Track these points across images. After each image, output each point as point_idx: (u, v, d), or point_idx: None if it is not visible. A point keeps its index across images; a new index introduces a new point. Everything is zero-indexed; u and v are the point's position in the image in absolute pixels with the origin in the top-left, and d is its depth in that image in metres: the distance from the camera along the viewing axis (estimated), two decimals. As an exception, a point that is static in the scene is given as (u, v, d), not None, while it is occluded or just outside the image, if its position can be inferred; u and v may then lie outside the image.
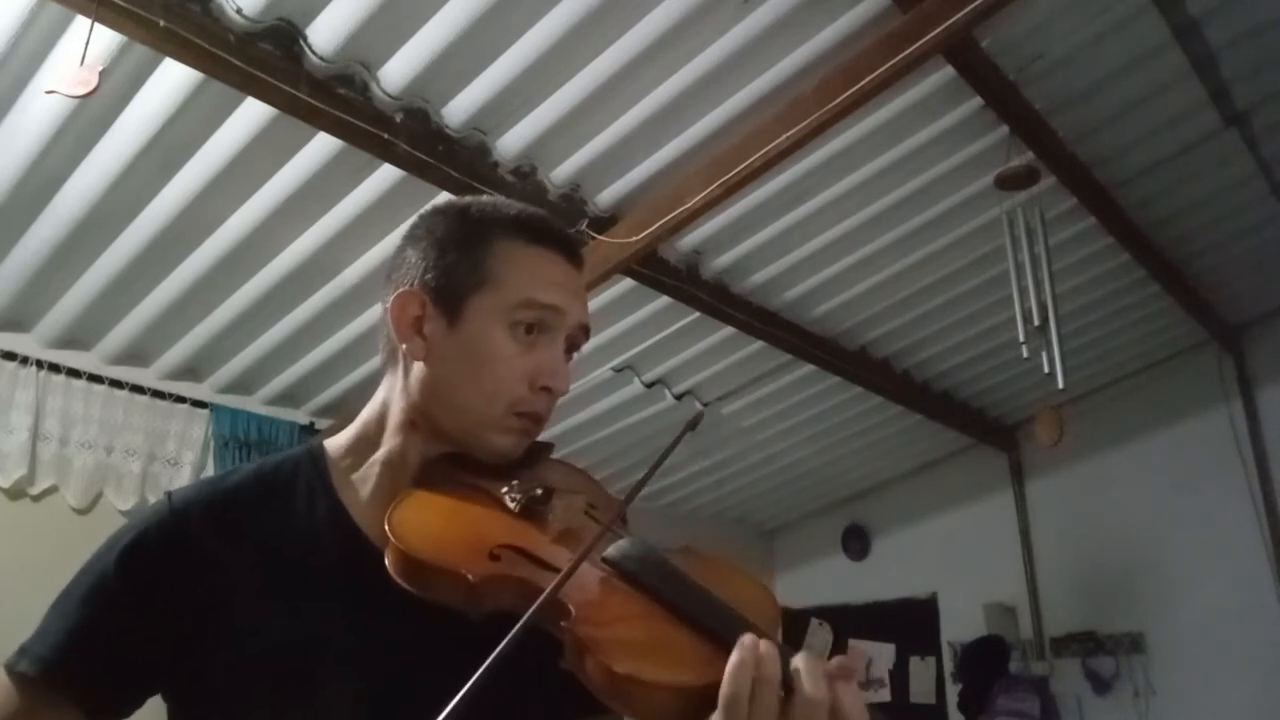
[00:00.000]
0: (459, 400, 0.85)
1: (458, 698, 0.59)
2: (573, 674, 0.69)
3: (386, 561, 0.76)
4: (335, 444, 0.91)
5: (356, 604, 0.80)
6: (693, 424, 0.82)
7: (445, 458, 0.86)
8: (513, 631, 0.63)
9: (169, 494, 0.86)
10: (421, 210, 0.94)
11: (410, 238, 0.91)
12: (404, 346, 0.87)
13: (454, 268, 0.86)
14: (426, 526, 0.78)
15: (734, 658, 0.65)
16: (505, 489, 0.84)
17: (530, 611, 0.65)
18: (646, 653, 0.69)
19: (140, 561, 0.80)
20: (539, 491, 0.84)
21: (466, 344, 0.85)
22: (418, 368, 0.87)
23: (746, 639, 0.66)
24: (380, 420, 0.89)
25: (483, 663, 0.61)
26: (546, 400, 0.87)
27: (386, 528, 0.76)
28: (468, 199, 0.93)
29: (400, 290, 0.87)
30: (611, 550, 0.78)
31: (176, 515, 0.83)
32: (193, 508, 0.84)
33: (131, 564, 0.80)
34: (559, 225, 0.92)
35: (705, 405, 4.20)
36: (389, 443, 0.88)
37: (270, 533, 0.83)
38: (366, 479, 0.87)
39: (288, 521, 0.84)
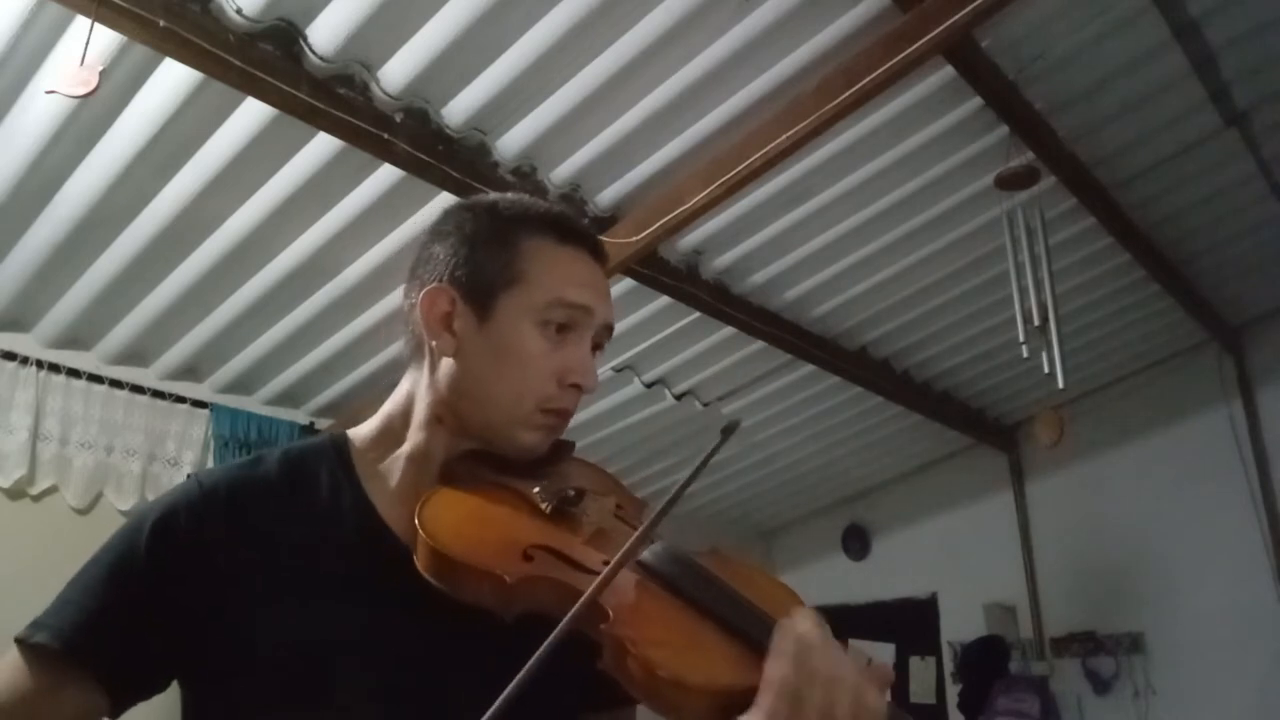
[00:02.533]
0: (488, 396, 0.85)
1: (500, 699, 0.59)
2: (609, 674, 0.70)
3: (417, 559, 0.76)
4: (359, 435, 0.91)
5: (378, 601, 0.80)
6: (729, 431, 0.82)
7: (470, 455, 0.86)
8: (554, 634, 0.64)
9: (197, 476, 0.86)
10: (447, 207, 0.94)
11: (437, 234, 0.91)
12: (433, 342, 0.87)
13: (485, 265, 0.86)
14: (459, 525, 0.78)
15: (780, 646, 0.68)
16: (536, 488, 0.83)
17: (571, 614, 0.65)
18: (685, 656, 0.70)
19: (167, 541, 0.80)
20: (571, 492, 0.83)
21: (496, 341, 0.85)
22: (446, 363, 0.86)
23: (793, 625, 0.70)
24: (405, 414, 0.89)
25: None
26: (574, 397, 0.87)
27: (417, 524, 0.76)
28: (494, 196, 0.93)
29: (430, 286, 0.87)
30: (645, 554, 0.78)
31: (205, 497, 0.83)
32: (220, 492, 0.83)
33: (159, 542, 0.79)
34: (585, 224, 0.92)
35: (706, 405, 4.20)
36: (414, 437, 0.87)
37: (295, 525, 0.83)
38: (391, 472, 0.87)
39: (312, 513, 0.84)
